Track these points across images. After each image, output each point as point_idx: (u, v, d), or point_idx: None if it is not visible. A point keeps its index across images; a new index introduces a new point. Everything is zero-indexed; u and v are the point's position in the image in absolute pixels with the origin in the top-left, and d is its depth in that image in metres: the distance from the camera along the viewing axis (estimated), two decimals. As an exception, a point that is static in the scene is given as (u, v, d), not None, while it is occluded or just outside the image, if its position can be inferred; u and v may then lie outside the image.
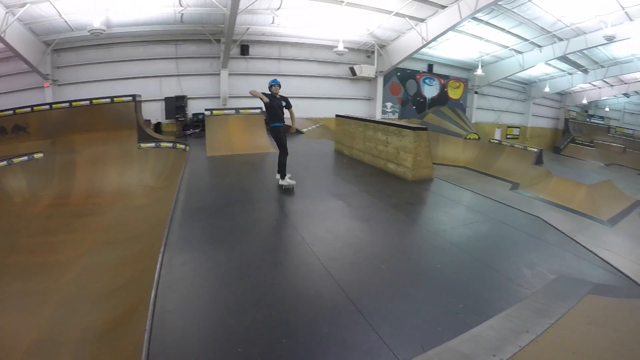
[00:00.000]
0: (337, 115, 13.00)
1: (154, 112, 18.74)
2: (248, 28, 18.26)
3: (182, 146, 13.48)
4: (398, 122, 10.54)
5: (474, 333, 3.57)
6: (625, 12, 17.05)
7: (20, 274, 7.67)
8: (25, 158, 12.76)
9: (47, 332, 5.80)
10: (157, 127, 18.50)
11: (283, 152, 8.29)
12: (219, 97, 19.45)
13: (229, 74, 19.35)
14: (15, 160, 12.51)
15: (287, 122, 8.80)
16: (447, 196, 8.13)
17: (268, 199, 7.58)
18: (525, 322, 3.79)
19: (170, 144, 13.91)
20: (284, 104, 8.43)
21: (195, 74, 19.49)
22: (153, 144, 13.94)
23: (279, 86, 8.34)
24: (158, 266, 4.49)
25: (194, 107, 19.16)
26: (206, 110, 14.99)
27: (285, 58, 20.85)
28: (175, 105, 18.77)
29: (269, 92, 8.18)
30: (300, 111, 20.52)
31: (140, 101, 15.18)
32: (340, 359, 3.15)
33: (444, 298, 4.02)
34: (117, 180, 12.92)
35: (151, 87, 18.80)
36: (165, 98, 18.95)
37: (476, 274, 4.67)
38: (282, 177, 8.27)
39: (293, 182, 8.23)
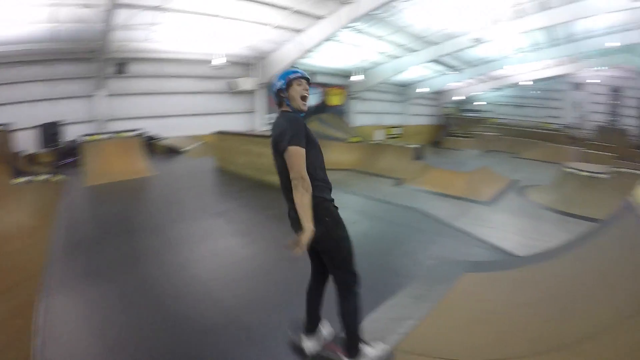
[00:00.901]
0: (218, 132, 13.07)
1: (27, 141, 16.98)
2: (125, 44, 17.47)
3: (60, 177, 12.67)
4: (258, 133, 10.75)
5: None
6: (489, 18, 19.04)
7: None
8: None
9: None
10: (32, 158, 17.15)
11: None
12: (96, 121, 18.33)
13: (108, 95, 18.36)
14: None
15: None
16: None
17: (148, 226, 7.49)
18: (406, 310, 4.14)
19: (47, 176, 12.97)
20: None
21: (73, 97, 18.12)
22: (27, 178, 12.82)
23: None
24: (40, 315, 4.31)
25: (71, 133, 17.67)
26: (83, 135, 14.22)
27: (165, 75, 20.27)
28: (51, 132, 17.40)
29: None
30: (181, 129, 20.35)
31: (9, 131, 14.00)
32: None
33: (328, 300, 4.19)
34: None
35: (23, 114, 16.99)
36: (41, 125, 17.33)
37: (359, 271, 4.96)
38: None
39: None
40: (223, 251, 6.11)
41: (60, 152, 17.13)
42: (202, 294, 4.66)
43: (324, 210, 2.94)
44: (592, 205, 11.03)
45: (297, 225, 2.82)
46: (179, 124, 20.75)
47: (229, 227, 7.24)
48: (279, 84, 3.04)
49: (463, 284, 4.68)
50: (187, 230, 7.06)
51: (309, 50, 19.58)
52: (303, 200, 2.73)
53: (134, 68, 19.20)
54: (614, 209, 4.88)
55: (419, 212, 7.76)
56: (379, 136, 30.62)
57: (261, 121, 23.71)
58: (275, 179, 8.69)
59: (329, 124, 26.12)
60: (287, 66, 20.93)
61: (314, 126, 24.82)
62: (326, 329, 3.46)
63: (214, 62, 18.86)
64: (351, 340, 3.09)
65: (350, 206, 8.34)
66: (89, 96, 18.42)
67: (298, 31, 19.26)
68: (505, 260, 5.79)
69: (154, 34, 17.46)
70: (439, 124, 39.83)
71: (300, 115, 3.07)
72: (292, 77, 3.03)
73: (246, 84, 21.94)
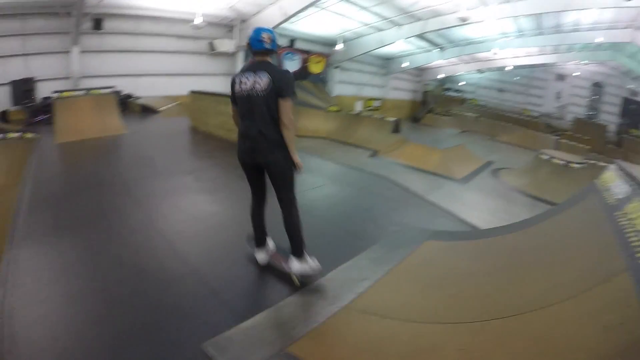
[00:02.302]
0: (191, 92, 12.89)
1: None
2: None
3: (31, 135, 12.36)
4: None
5: (312, 287, 3.90)
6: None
7: None
8: None
9: None
10: (4, 115, 16.71)
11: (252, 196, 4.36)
12: (69, 78, 17.85)
13: (82, 52, 17.76)
14: None
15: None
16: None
17: (117, 183, 7.44)
18: (363, 271, 4.26)
19: (18, 134, 12.70)
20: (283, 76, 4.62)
21: (46, 53, 17.43)
22: None
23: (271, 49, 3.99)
24: (3, 267, 4.27)
25: (44, 90, 17.04)
26: (54, 92, 13.79)
27: (142, 33, 19.56)
28: (23, 89, 16.84)
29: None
30: (158, 89, 19.93)
31: None
32: (184, 326, 3.30)
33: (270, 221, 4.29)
34: None
35: None
36: (12, 82, 16.74)
37: (321, 233, 5.08)
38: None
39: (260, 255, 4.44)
40: (188, 207, 6.18)
41: (32, 109, 16.64)
42: (166, 248, 4.72)
43: (285, 146, 3.72)
44: (562, 193, 11.28)
45: (257, 146, 3.70)
46: (155, 83, 20.23)
47: (197, 185, 7.27)
48: (272, 44, 3.73)
49: (423, 251, 4.85)
50: (155, 187, 7.07)
51: (292, 15, 19.17)
52: (292, 136, 3.70)
53: (110, 24, 18.49)
54: (579, 191, 5.01)
55: (389, 181, 7.84)
56: (357, 107, 30.55)
57: (239, 84, 23.17)
58: None
59: (308, 91, 25.98)
60: (268, 30, 20.57)
61: (292, 93, 24.76)
62: (271, 243, 4.40)
63: (195, 22, 18.38)
64: (297, 245, 3.89)
65: (322, 171, 8.39)
66: (63, 52, 17.80)
67: (281, -6, 18.83)
68: (468, 232, 5.95)
69: None
70: (418, 101, 39.87)
71: None
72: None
73: (226, 45, 21.50)
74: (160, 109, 17.02)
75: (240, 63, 22.84)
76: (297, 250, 3.89)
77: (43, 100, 16.80)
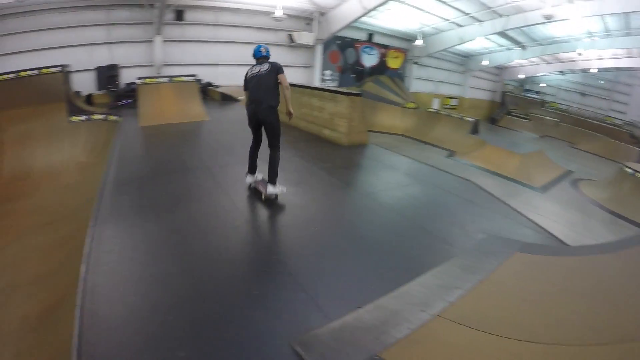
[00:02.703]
0: (274, 83, 12.70)
1: (85, 83, 17.60)
2: None
3: (115, 117, 12.87)
4: (333, 88, 10.43)
5: (403, 290, 3.63)
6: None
7: None
8: None
9: None
10: (89, 98, 17.50)
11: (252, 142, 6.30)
12: (152, 65, 18.54)
13: (164, 41, 18.42)
14: None
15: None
16: (381, 160, 8.18)
17: (199, 168, 7.35)
18: (454, 279, 3.94)
19: (103, 116, 13.15)
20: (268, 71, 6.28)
21: (129, 41, 18.38)
22: (84, 117, 13.04)
23: (265, 56, 6.00)
24: (87, 244, 4.28)
25: (127, 77, 18.10)
26: (138, 78, 14.23)
27: (222, 24, 20.06)
28: (107, 75, 17.80)
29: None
30: (237, 79, 19.84)
31: (70, 72, 14.14)
32: (270, 319, 3.12)
33: (375, 258, 4.08)
34: (46, 159, 11.99)
35: (81, 57, 17.60)
36: (97, 68, 17.86)
37: (407, 234, 4.78)
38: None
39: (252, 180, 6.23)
40: (273, 199, 5.82)
41: (116, 93, 17.52)
42: (252, 237, 4.57)
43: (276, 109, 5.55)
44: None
45: (259, 109, 5.51)
46: (235, 73, 20.07)
47: (280, 175, 6.94)
48: (267, 53, 5.83)
49: (514, 263, 4.48)
50: (239, 175, 6.77)
51: (372, 9, 18.72)
52: (290, 94, 5.51)
53: (191, 15, 19.16)
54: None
55: (473, 184, 7.29)
56: (434, 105, 29.52)
57: (319, 76, 23.21)
58: (331, 133, 8.27)
59: (385, 86, 25.33)
60: (347, 24, 20.37)
61: (369, 87, 24.42)
62: (259, 175, 6.13)
63: (274, 15, 18.37)
64: (273, 175, 5.58)
65: (402, 169, 7.92)
66: (146, 41, 18.57)
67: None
68: (558, 247, 5.53)
69: None
70: (497, 101, 38.21)
71: None
72: None
73: (305, 38, 21.36)
74: (240, 97, 16.97)
75: (319, 55, 22.73)
76: (272, 179, 5.60)
77: (126, 86, 17.66)
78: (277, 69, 5.46)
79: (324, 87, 12.05)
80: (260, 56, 5.81)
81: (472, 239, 4.88)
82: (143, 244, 4.30)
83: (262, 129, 5.73)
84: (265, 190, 5.56)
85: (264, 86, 5.42)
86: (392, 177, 7.32)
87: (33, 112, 12.75)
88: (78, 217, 7.53)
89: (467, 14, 22.36)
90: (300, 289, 3.50)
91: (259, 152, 5.89)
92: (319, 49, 22.65)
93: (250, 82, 5.68)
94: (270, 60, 5.72)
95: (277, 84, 5.48)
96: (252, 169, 6.06)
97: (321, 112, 9.71)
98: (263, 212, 5.33)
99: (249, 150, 5.94)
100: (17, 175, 11.50)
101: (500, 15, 21.89)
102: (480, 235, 5.04)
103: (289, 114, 5.54)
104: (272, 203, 5.59)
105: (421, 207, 5.86)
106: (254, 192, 5.87)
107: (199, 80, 14.86)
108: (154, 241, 4.36)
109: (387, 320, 3.19)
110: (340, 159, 8.12)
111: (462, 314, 3.34)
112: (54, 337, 4.57)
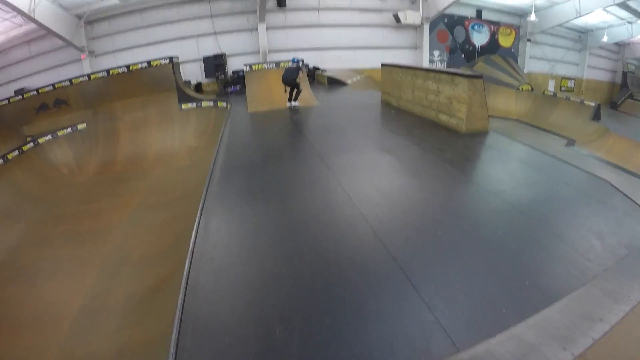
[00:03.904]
0: (383, 64, 12.29)
1: (193, 73, 18.78)
2: None
3: (223, 104, 13.38)
4: (450, 70, 9.76)
5: (541, 318, 3.16)
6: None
7: (69, 241, 7.92)
8: (69, 130, 13.20)
9: (93, 298, 5.93)
10: (198, 87, 18.58)
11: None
12: (258, 53, 19.06)
13: (267, 28, 18.89)
14: (60, 133, 13.02)
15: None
16: (505, 151, 7.43)
17: (311, 153, 7.14)
18: (597, 308, 3.37)
19: (212, 103, 13.88)
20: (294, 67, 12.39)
21: (233, 31, 19.18)
22: (194, 104, 13.92)
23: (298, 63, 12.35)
24: (194, 231, 4.29)
25: (233, 65, 18.97)
26: (245, 65, 14.77)
27: (325, 8, 19.97)
28: (215, 63, 18.72)
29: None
30: (343, 62, 20.35)
31: (178, 62, 15.01)
32: (389, 342, 2.76)
33: (508, 272, 3.52)
34: (159, 143, 13.05)
35: (189, 48, 18.77)
36: (204, 57, 18.89)
37: (541, 243, 4.10)
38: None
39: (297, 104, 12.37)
40: (394, 192, 5.38)
41: (224, 81, 18.46)
42: (369, 237, 4.08)
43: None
44: None
45: (288, 81, 11.90)
46: (341, 56, 20.53)
47: (399, 166, 6.48)
48: (294, 60, 12.26)
49: None
50: (353, 163, 6.50)
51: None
52: (304, 77, 13.28)
53: (293, 1, 19.32)
54: None
55: (606, 183, 6.32)
56: (550, 87, 27.30)
57: (427, 57, 22.33)
58: (449, 119, 8.66)
59: (498, 66, 23.84)
60: (454, 0, 19.40)
61: (480, 67, 23.06)
62: (293, 103, 12.16)
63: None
64: (296, 96, 12.18)
65: (529, 163, 7.01)
66: (250, 30, 19.15)
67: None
68: None
69: None
70: (617, 83, 34.75)
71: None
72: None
73: (411, 17, 20.53)
74: (348, 81, 16.90)
75: (426, 35, 21.80)
76: (296, 98, 12.09)
77: (233, 74, 18.50)
78: (299, 69, 11.93)
79: (432, 68, 11.46)
80: (294, 61, 12.11)
81: (613, 255, 4.07)
82: (250, 239, 4.16)
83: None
84: (290, 104, 12.11)
85: (292, 73, 11.79)
86: (517, 171, 6.50)
87: (146, 101, 13.82)
88: (189, 199, 7.81)
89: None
90: (425, 307, 3.07)
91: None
92: (426, 29, 21.65)
93: (286, 71, 11.85)
94: (295, 65, 12.01)
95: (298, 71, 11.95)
96: (289, 98, 12.13)
97: (437, 95, 9.07)
98: (380, 206, 4.84)
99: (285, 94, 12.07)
100: (133, 158, 12.56)
101: None
102: (623, 251, 4.29)
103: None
104: (393, 198, 5.17)
105: (552, 210, 5.09)
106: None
107: (306, 65, 14.88)
108: (261, 235, 4.18)
109: (525, 357, 2.76)
110: (460, 148, 7.41)
111: (610, 354, 2.85)
112: (153, 317, 4.81)
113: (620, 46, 32.44)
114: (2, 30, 17.53)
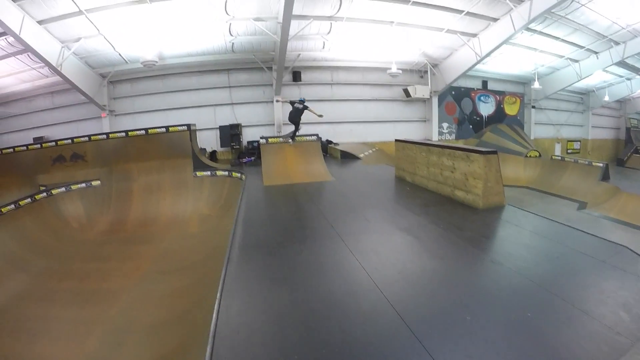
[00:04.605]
0: (396, 140, 12.54)
1: (209, 141, 19.35)
2: (299, 54, 18.66)
3: (238, 175, 13.50)
4: (466, 146, 10.01)
5: None
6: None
7: (73, 300, 7.81)
8: (83, 185, 13.39)
9: None
10: (213, 155, 18.98)
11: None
12: (273, 125, 19.74)
13: (283, 102, 19.43)
14: (74, 187, 13.19)
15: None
16: (522, 225, 7.51)
17: (330, 234, 7.13)
18: None
19: (226, 172, 13.98)
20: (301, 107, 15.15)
21: (249, 102, 19.96)
22: (209, 172, 14.07)
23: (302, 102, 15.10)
24: (214, 315, 4.23)
25: (248, 135, 19.53)
26: (261, 138, 14.99)
27: (338, 82, 20.97)
28: (230, 133, 19.21)
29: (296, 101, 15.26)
30: (355, 136, 21.07)
31: (195, 130, 15.36)
32: None
33: (540, 357, 3.46)
34: (172, 208, 13.04)
35: (205, 116, 19.46)
36: (220, 126, 19.50)
37: (569, 321, 4.06)
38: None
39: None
40: (418, 276, 5.33)
41: (239, 151, 18.80)
42: (398, 327, 4.01)
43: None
44: None
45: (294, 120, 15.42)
46: (353, 130, 21.30)
47: (419, 247, 6.50)
48: (301, 99, 15.37)
49: None
50: (375, 245, 6.47)
51: (485, 56, 18.35)
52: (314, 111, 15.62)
53: (308, 76, 20.31)
54: None
55: (628, 250, 6.36)
56: (557, 150, 27.81)
57: (436, 130, 22.97)
58: (465, 195, 9.07)
59: (505, 134, 24.34)
60: (461, 73, 20.20)
61: (488, 137, 23.73)
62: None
63: (390, 71, 18.71)
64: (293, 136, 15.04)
65: (548, 236, 6.95)
66: (265, 102, 19.98)
67: (472, 35, 18.25)
68: None
69: (328, 43, 18.18)
70: (621, 139, 35.03)
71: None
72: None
73: (420, 91, 21.38)
74: (360, 155, 17.17)
75: (435, 108, 22.58)
76: (293, 136, 15.00)
77: (248, 144, 18.86)
78: (304, 108, 14.65)
79: (455, 145, 11.69)
80: (300, 101, 14.27)
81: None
82: (274, 326, 4.08)
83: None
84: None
85: (299, 111, 14.54)
86: (537, 246, 6.48)
87: (161, 165, 13.97)
88: (201, 269, 7.88)
89: (582, 47, 21.15)
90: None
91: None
92: (435, 102, 22.49)
93: (294, 110, 14.36)
94: (301, 105, 14.73)
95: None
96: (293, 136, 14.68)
97: (453, 172, 9.28)
98: (405, 291, 4.81)
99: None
100: (144, 221, 12.53)
101: (617, 43, 20.31)
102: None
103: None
104: (416, 282, 5.15)
105: (579, 286, 5.16)
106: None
107: (319, 139, 15.27)
108: (285, 323, 4.11)
109: None
110: (478, 225, 7.43)
111: None
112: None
113: (622, 103, 33.22)
114: (29, 79, 18.35)
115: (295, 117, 15.28)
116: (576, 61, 23.06)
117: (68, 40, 15.03)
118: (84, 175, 13.74)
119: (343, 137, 20.46)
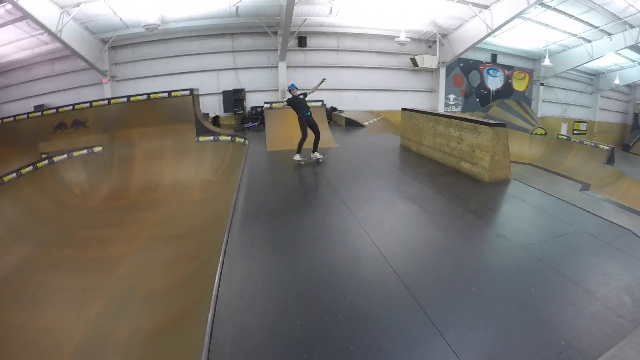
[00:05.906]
0: (403, 109, 12.33)
1: (211, 106, 19.12)
2: (305, 19, 18.16)
3: (241, 140, 13.33)
4: (474, 118, 9.80)
5: None
6: None
7: (74, 267, 7.84)
8: (84, 151, 13.27)
9: (96, 330, 5.81)
10: (215, 120, 18.78)
11: (303, 137, 10.23)
12: (277, 90, 19.42)
13: (287, 67, 19.28)
14: (75, 153, 13.09)
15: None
16: (529, 201, 7.38)
17: (334, 201, 7.03)
18: None
19: (229, 138, 13.79)
20: (302, 97, 10.54)
21: (253, 67, 19.55)
22: (211, 138, 13.88)
23: (297, 89, 10.51)
24: (216, 278, 4.22)
25: (252, 100, 19.27)
26: (265, 103, 14.78)
27: (344, 49, 20.51)
28: (233, 98, 18.98)
29: (290, 95, 10.39)
30: (360, 104, 20.73)
31: (198, 95, 15.11)
32: None
33: (544, 333, 3.46)
34: (174, 174, 12.93)
35: (208, 81, 19.09)
36: (223, 92, 19.23)
37: (573, 300, 4.02)
38: (298, 152, 10.33)
39: (303, 158, 10.28)
40: (422, 246, 5.30)
41: (242, 116, 18.58)
42: (404, 296, 3.99)
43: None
44: None
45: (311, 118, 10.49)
46: (358, 97, 20.97)
47: (425, 217, 6.37)
48: (291, 86, 10.57)
49: None
50: (379, 214, 6.38)
51: (496, 29, 17.87)
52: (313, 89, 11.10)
53: (313, 41, 19.84)
54: None
55: (632, 234, 6.24)
56: (563, 130, 27.36)
57: (442, 101, 22.66)
58: (471, 168, 8.81)
59: (512, 110, 24.00)
60: (471, 45, 19.72)
61: (494, 111, 23.36)
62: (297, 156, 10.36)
63: (398, 39, 18.29)
64: (299, 149, 10.35)
65: (555, 213, 6.85)
66: (270, 67, 19.54)
67: (484, 7, 17.68)
68: None
69: (335, 8, 17.68)
70: (628, 124, 34.64)
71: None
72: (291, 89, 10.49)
73: (428, 61, 20.95)
74: (365, 123, 17.00)
75: (442, 79, 22.21)
76: (299, 149, 10.27)
77: (252, 109, 18.66)
78: (305, 97, 10.55)
79: (462, 116, 11.44)
80: (291, 87, 10.42)
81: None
82: (278, 293, 4.04)
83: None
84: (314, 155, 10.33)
85: (303, 103, 10.32)
86: (545, 224, 6.37)
87: (163, 131, 13.77)
88: (202, 235, 7.84)
89: (596, 27, 20.52)
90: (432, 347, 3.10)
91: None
92: (442, 73, 22.09)
93: (295, 101, 10.24)
94: (301, 94, 10.56)
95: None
96: (299, 149, 10.24)
97: (460, 143, 9.10)
98: (410, 261, 4.77)
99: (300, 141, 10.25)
100: (146, 187, 12.43)
101: (632, 26, 19.72)
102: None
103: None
104: (422, 252, 5.12)
105: (583, 265, 5.05)
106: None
107: (324, 105, 15.01)
108: (289, 290, 4.07)
109: None
110: (484, 198, 7.34)
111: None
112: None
113: (632, 87, 32.64)
114: (28, 46, 17.99)
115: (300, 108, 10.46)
116: (589, 41, 22.49)
117: (67, 5, 14.64)
118: (85, 142, 13.63)
119: (348, 104, 20.21)
